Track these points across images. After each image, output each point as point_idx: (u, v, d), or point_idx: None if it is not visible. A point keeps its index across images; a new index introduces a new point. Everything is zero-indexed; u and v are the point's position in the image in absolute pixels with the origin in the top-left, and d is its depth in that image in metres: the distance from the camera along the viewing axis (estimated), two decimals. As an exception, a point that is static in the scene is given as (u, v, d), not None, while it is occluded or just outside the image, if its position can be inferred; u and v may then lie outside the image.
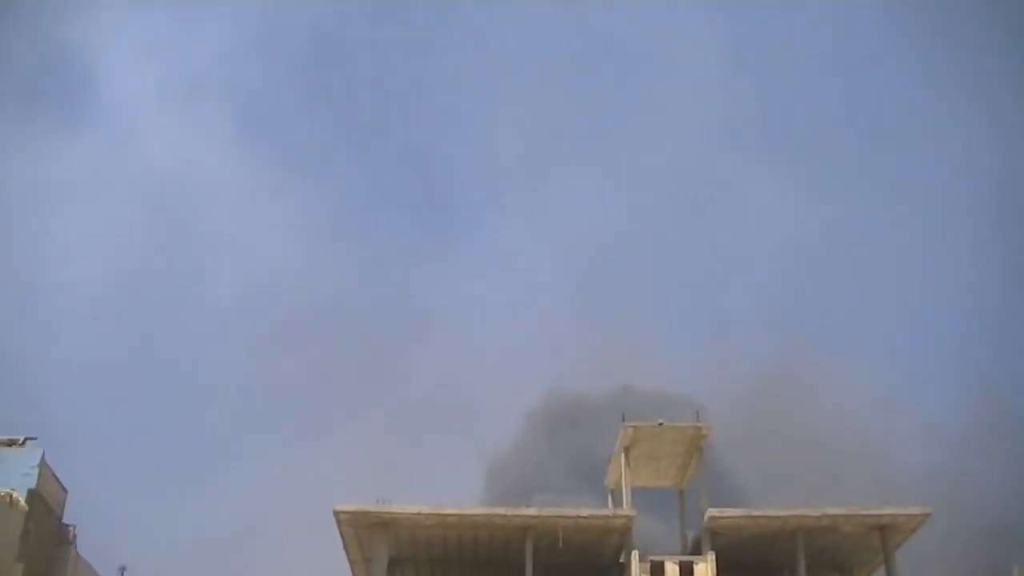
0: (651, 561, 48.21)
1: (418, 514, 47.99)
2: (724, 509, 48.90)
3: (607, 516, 49.41)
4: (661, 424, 50.82)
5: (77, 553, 33.44)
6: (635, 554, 47.85)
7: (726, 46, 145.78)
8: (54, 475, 31.88)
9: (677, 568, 48.16)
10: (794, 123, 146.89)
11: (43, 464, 31.05)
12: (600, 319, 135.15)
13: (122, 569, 47.48)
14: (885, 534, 49.31)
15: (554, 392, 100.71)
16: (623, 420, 51.15)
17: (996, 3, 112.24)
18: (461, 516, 48.31)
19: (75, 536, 33.46)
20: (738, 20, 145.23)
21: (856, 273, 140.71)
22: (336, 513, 47.82)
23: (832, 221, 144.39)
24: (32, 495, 30.37)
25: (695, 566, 48.11)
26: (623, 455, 51.33)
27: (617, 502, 52.81)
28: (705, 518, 48.77)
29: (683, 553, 51.37)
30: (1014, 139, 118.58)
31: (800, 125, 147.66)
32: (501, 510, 50.03)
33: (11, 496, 29.62)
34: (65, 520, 33.11)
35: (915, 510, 48.84)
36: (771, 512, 49.49)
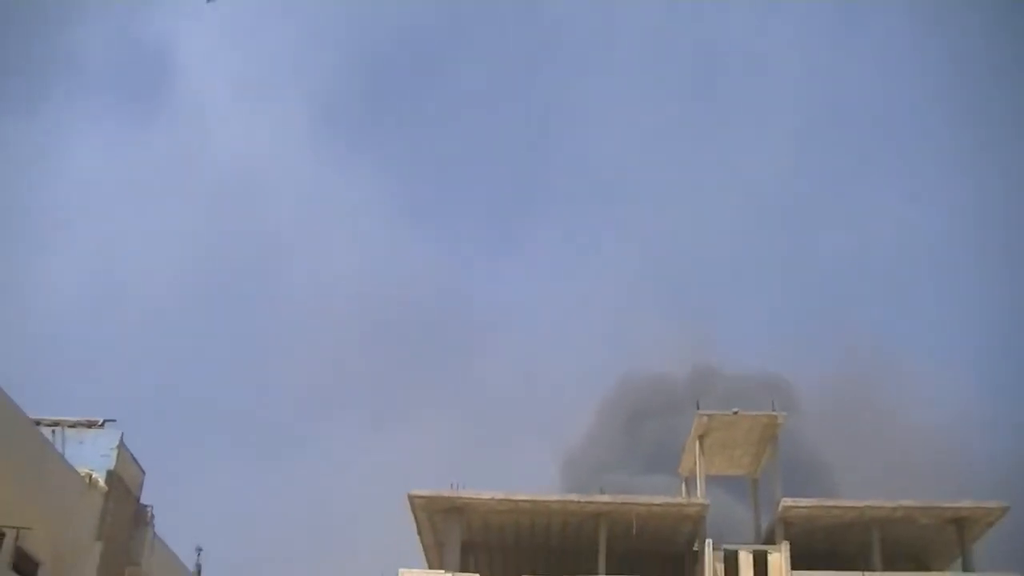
0: (724, 550, 48.03)
1: (491, 500, 48.15)
2: (798, 499, 48.68)
3: (681, 504, 49.37)
4: (736, 413, 50.60)
5: (154, 533, 33.80)
6: (709, 542, 47.68)
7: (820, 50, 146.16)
8: (132, 457, 32.19)
9: (751, 557, 47.98)
10: (894, 123, 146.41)
11: (122, 446, 31.36)
12: (676, 310, 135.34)
13: (199, 549, 47.95)
14: (961, 527, 48.91)
15: (629, 379, 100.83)
16: (697, 408, 51.00)
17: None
18: (534, 502, 48.41)
19: (153, 517, 33.80)
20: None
21: (941, 274, 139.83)
22: (411, 498, 48.01)
23: (921, 222, 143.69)
24: (111, 476, 30.67)
25: (769, 555, 47.91)
26: (697, 443, 51.17)
27: (691, 490, 52.73)
28: (779, 507, 48.58)
29: (756, 542, 51.18)
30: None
31: (899, 125, 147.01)
32: (574, 497, 50.17)
33: (91, 477, 29.96)
34: (143, 501, 33.49)
35: (992, 504, 48.44)
36: (846, 503, 49.30)
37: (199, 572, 45.55)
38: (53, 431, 30.15)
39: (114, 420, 32.38)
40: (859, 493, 63.06)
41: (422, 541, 51.08)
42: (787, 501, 48.32)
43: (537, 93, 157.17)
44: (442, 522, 49.03)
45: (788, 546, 47.55)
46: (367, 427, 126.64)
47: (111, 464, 31.15)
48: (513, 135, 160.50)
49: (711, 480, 52.80)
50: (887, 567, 48.12)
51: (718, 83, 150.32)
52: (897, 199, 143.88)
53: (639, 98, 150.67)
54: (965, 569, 48.38)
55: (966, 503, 48.36)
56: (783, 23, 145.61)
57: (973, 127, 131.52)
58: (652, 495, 50.56)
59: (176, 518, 45.37)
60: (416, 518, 49.19)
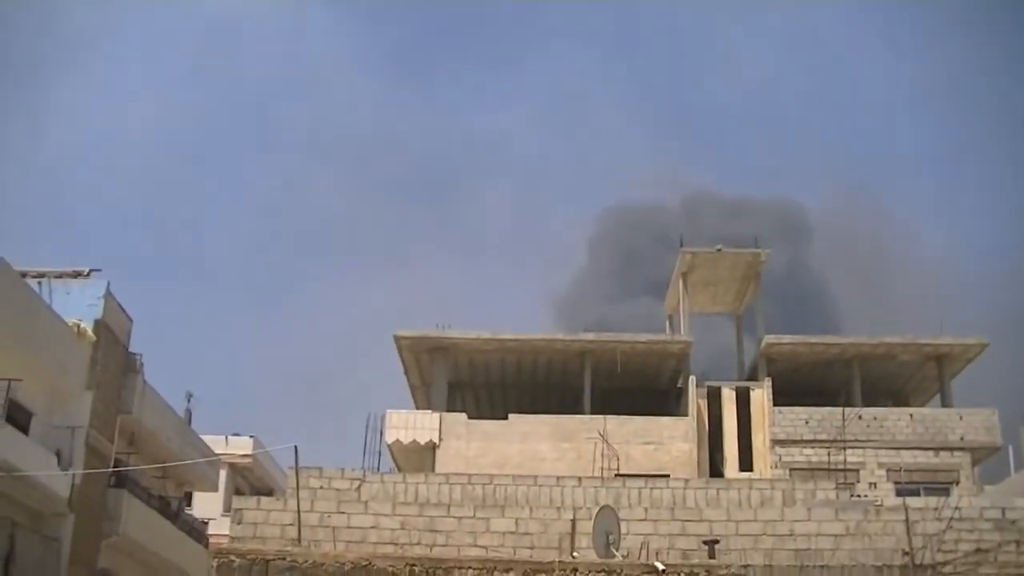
0: (708, 386, 48.64)
1: (477, 339, 48.50)
2: (780, 336, 49.15)
3: (665, 341, 49.74)
4: (719, 250, 50.70)
5: (144, 381, 34.01)
6: (692, 379, 48.22)
7: None
8: (119, 305, 32.29)
9: (733, 393, 48.65)
10: None
11: (108, 294, 31.42)
12: (664, 139, 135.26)
13: (189, 395, 48.57)
14: (942, 363, 49.60)
15: (620, 212, 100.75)
16: (681, 245, 51.18)
17: None
18: (520, 340, 48.76)
19: (142, 364, 33.96)
20: None
21: (921, 111, 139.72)
22: (396, 338, 48.38)
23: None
24: (98, 325, 30.80)
25: (752, 391, 48.57)
26: (680, 281, 51.48)
27: (675, 328, 53.16)
28: (762, 344, 49.15)
29: (740, 379, 51.79)
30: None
31: None
32: (559, 335, 50.60)
33: (78, 326, 30.10)
34: (132, 349, 33.69)
35: (972, 340, 49.01)
36: (828, 339, 49.83)
37: (190, 417, 46.19)
38: (39, 282, 30.17)
39: (100, 270, 32.45)
40: (857, 326, 63.42)
41: (409, 382, 51.60)
42: (769, 338, 48.83)
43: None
44: (428, 362, 49.46)
45: (770, 382, 48.16)
46: (358, 272, 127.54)
47: (99, 313, 31.24)
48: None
49: (700, 316, 53.27)
50: (868, 402, 48.89)
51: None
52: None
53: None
54: (944, 404, 49.14)
55: (946, 339, 48.87)
56: None
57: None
58: (637, 332, 50.88)
59: (167, 365, 45.95)
60: (402, 359, 49.61)
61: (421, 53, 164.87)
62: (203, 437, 42.75)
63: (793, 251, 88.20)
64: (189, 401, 47.71)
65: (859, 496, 39.22)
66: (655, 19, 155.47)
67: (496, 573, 23.51)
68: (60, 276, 31.52)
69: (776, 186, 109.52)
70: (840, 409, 46.96)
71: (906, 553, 27.07)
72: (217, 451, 45.64)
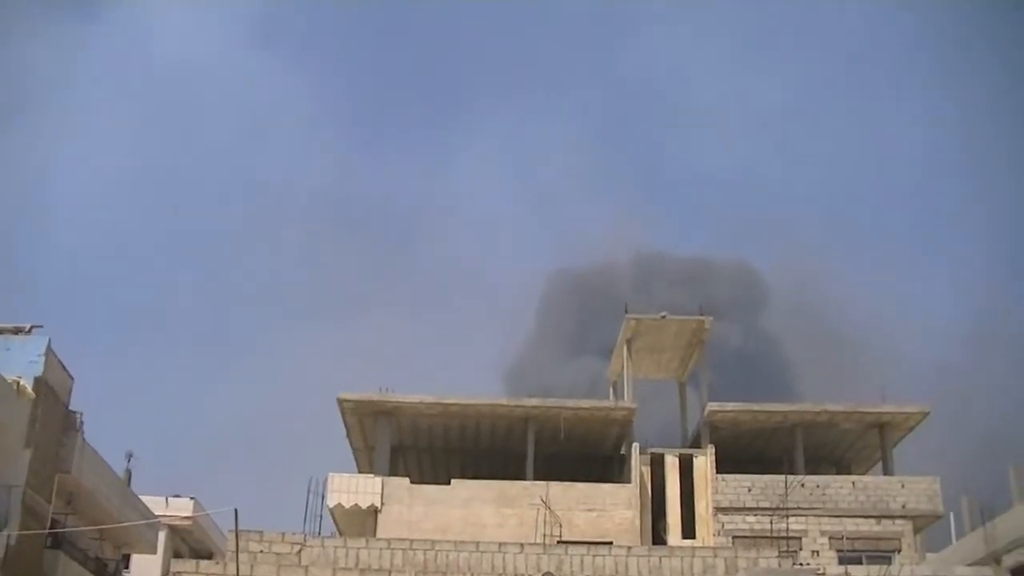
0: (651, 453, 48.62)
1: (420, 403, 48.32)
2: (724, 403, 49.23)
3: (608, 408, 49.68)
4: (664, 317, 50.91)
5: (84, 440, 33.69)
6: (635, 446, 48.20)
7: None
8: (60, 363, 32.02)
9: (676, 460, 48.61)
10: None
11: (49, 351, 31.16)
12: (613, 200, 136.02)
13: (129, 455, 48.00)
14: (884, 431, 49.79)
15: (570, 274, 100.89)
16: (626, 311, 51.31)
17: None
18: (464, 405, 48.59)
19: (82, 423, 33.64)
20: None
21: (865, 172, 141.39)
22: (340, 401, 48.14)
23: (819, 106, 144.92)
24: (39, 382, 30.55)
25: (694, 459, 48.55)
26: (625, 347, 51.54)
27: (619, 394, 53.16)
28: (705, 411, 49.17)
29: (683, 446, 51.78)
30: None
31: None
32: (503, 400, 50.47)
33: (18, 384, 29.81)
34: (72, 407, 33.36)
35: (913, 408, 49.24)
36: (770, 407, 49.82)
37: (129, 477, 45.67)
38: (-21, 338, 29.93)
39: (41, 326, 32.18)
40: (811, 392, 63.64)
41: (352, 444, 51.30)
42: (712, 405, 48.87)
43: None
44: (371, 425, 49.20)
45: (714, 449, 48.17)
46: (306, 332, 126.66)
47: (39, 371, 30.94)
48: (452, 38, 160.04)
49: (640, 384, 53.29)
50: (811, 470, 48.93)
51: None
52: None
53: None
54: (885, 472, 49.25)
55: (887, 407, 49.10)
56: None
57: None
58: (580, 399, 50.90)
59: (107, 424, 45.48)
60: (345, 421, 49.34)
61: (374, 109, 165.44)
62: (143, 498, 42.27)
63: (748, 316, 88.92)
64: (129, 461, 47.13)
65: (802, 564, 39.32)
66: (611, 79, 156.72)
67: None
68: (1, 332, 31.23)
69: (735, 249, 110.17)
70: (783, 477, 47.07)
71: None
72: (157, 512, 45.04)
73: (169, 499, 51.81)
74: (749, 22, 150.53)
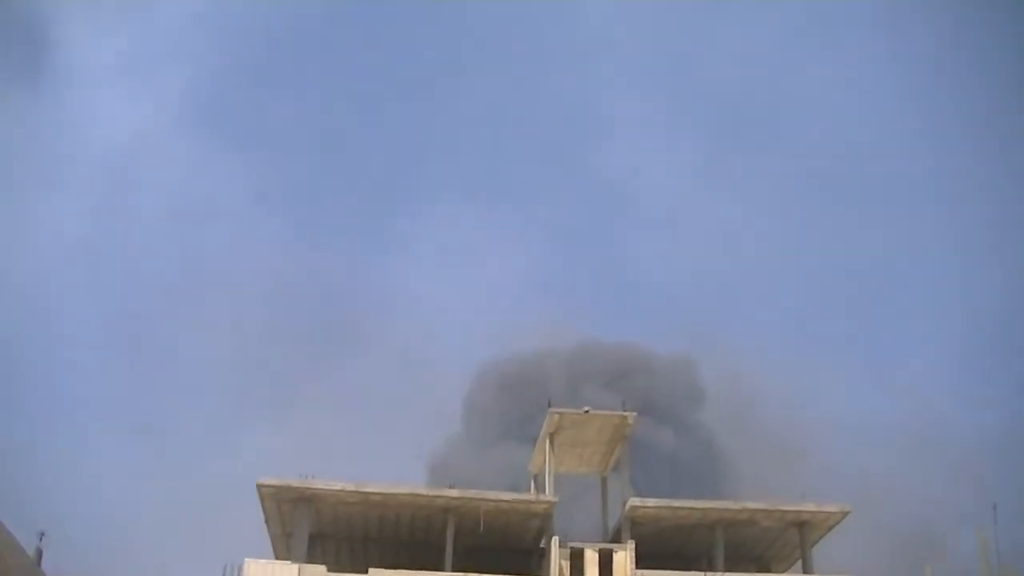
0: (571, 547, 48.46)
1: (341, 490, 48.03)
2: (645, 499, 49.34)
3: (528, 501, 49.67)
4: (586, 412, 51.11)
5: (-8, 517, 33.22)
6: (555, 540, 48.06)
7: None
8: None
9: (596, 555, 48.43)
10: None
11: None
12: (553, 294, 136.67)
13: (41, 534, 47.32)
14: (803, 530, 50.06)
15: (499, 365, 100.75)
16: (549, 405, 51.40)
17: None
18: (384, 495, 48.34)
19: (-10, 501, 33.21)
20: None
21: (783, 271, 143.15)
22: (259, 486, 47.80)
23: (773, 220, 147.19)
24: (-51, 458, 30.25)
25: (614, 554, 48.40)
26: (547, 441, 51.58)
27: (540, 487, 53.06)
28: (626, 507, 49.16)
29: (604, 541, 51.64)
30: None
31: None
32: (423, 490, 50.24)
33: (-74, 458, 29.50)
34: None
35: (833, 507, 49.59)
36: (691, 503, 49.92)
37: (40, 556, 44.99)
38: None
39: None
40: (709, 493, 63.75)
41: (270, 531, 50.87)
42: (634, 501, 48.96)
43: (419, 94, 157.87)
44: (291, 512, 48.79)
45: (633, 545, 48.09)
46: (232, 417, 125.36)
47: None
48: (393, 133, 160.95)
49: (562, 478, 53.22)
50: (730, 567, 48.99)
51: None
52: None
53: (514, 91, 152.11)
54: (805, 571, 49.51)
55: (808, 506, 49.43)
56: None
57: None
58: (501, 491, 50.75)
59: (18, 504, 44.83)
60: (264, 507, 48.96)
61: (315, 197, 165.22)
62: (53, 580, 41.75)
63: (684, 412, 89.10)
64: (41, 540, 46.53)
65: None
66: (570, 178, 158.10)
67: None
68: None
69: (676, 346, 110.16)
70: (703, 574, 47.13)
71: None
72: (67, 595, 44.48)
73: (80, 582, 51.12)
74: (718, 133, 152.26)
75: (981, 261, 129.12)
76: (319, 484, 48.09)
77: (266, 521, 50.11)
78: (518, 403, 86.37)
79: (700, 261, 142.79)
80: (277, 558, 50.75)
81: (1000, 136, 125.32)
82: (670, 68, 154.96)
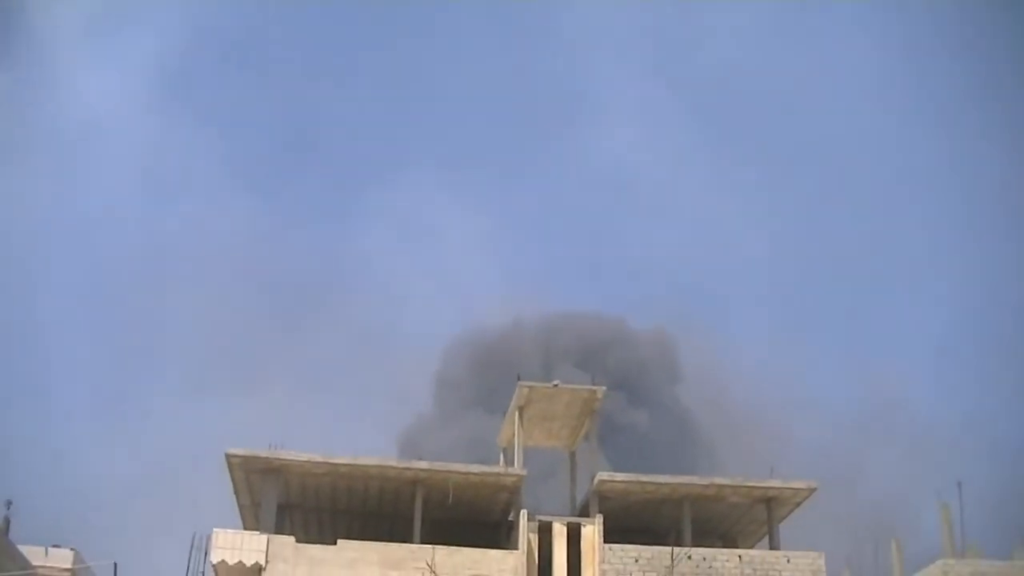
0: (539, 520, 48.55)
1: (309, 461, 48.00)
2: (613, 473, 49.53)
3: (498, 473, 49.74)
4: (556, 385, 51.25)
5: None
6: (524, 513, 48.09)
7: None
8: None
9: (564, 529, 48.57)
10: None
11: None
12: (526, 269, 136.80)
13: (8, 503, 47.30)
14: (771, 506, 50.28)
15: (471, 339, 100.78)
16: (518, 379, 51.48)
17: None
18: (352, 466, 48.33)
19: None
20: None
21: (764, 256, 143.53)
22: (228, 456, 47.74)
23: (756, 207, 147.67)
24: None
25: (583, 528, 48.55)
26: (516, 414, 51.67)
27: (509, 460, 53.16)
28: (594, 481, 49.29)
29: (572, 515, 51.75)
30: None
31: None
32: (392, 461, 50.23)
33: None
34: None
35: (800, 484, 49.84)
36: (659, 479, 50.02)
37: (7, 525, 45.00)
38: None
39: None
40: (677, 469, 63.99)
41: (238, 501, 50.85)
42: (602, 475, 49.09)
43: (396, 65, 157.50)
44: (259, 482, 48.77)
45: (602, 519, 48.26)
46: (199, 392, 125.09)
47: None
48: (364, 107, 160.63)
49: (531, 452, 53.32)
50: (698, 542, 49.08)
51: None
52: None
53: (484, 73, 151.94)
54: (771, 547, 49.68)
55: (774, 482, 49.67)
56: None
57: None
58: (470, 464, 50.80)
59: (-8, 473, 44.73)
60: (233, 478, 48.93)
61: (283, 171, 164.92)
62: (21, 548, 41.62)
63: (659, 385, 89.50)
64: (8, 508, 46.51)
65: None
66: (553, 162, 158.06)
67: None
68: None
69: (649, 319, 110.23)
70: (670, 548, 47.30)
71: None
72: (35, 563, 44.44)
73: (49, 549, 51.05)
74: (706, 119, 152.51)
75: (963, 257, 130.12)
76: (288, 455, 48.04)
77: (235, 491, 50.09)
78: (489, 377, 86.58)
79: (681, 244, 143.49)
80: (245, 528, 50.71)
81: (995, 132, 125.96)
82: (661, 54, 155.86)
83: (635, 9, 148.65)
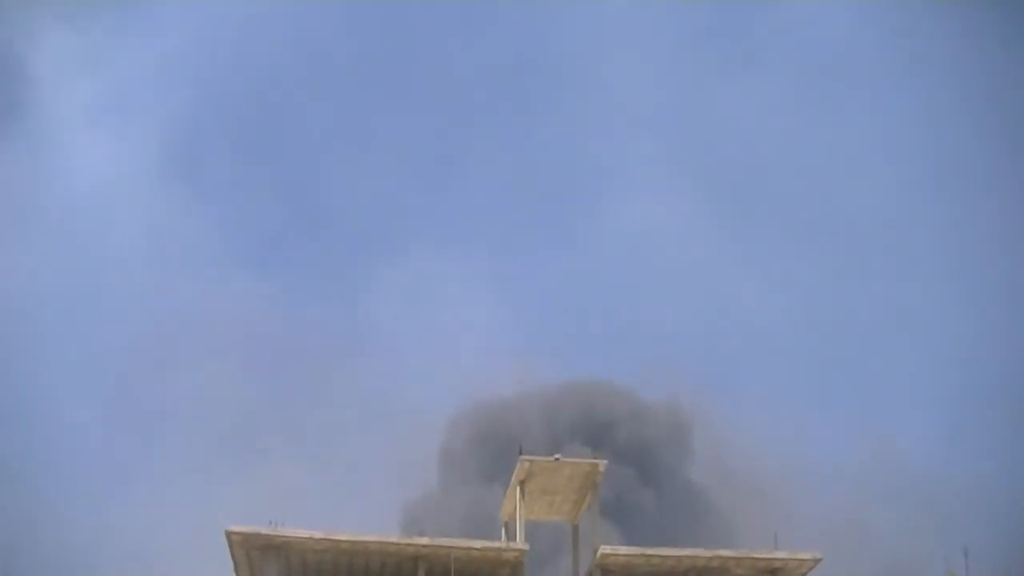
0: (542, 595, 48.42)
1: (310, 538, 47.72)
2: (617, 547, 49.28)
3: (499, 549, 49.41)
4: (557, 459, 51.05)
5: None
6: (526, 588, 47.97)
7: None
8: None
9: (568, 603, 48.45)
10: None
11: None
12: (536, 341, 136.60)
13: (5, 577, 47.08)
14: (776, 577, 49.96)
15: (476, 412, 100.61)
16: (520, 452, 51.32)
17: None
18: (354, 543, 48.03)
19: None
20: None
21: (775, 325, 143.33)
22: (228, 534, 47.42)
23: (769, 275, 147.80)
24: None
25: (586, 602, 48.40)
26: (518, 488, 51.43)
27: (511, 535, 52.91)
28: (597, 555, 48.98)
29: (575, 589, 51.60)
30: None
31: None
32: (394, 538, 49.94)
33: None
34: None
35: (806, 555, 49.41)
36: (663, 551, 49.70)
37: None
38: None
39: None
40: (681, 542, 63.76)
41: (239, 579, 50.61)
42: (605, 548, 48.79)
43: (406, 136, 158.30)
44: (260, 560, 48.41)
45: (605, 593, 48.09)
46: (195, 468, 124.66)
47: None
48: (372, 179, 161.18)
49: (533, 526, 53.08)
50: (702, 616, 48.90)
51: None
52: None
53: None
54: (778, 619, 49.39)
55: (780, 554, 49.26)
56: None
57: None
58: (471, 539, 50.54)
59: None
60: (233, 555, 48.59)
61: (280, 244, 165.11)
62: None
63: (673, 456, 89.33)
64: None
65: None
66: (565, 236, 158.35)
67: None
68: None
69: (666, 387, 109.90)
70: (674, 622, 47.12)
71: None
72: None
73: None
74: (719, 192, 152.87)
75: (978, 325, 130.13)
76: (289, 532, 47.76)
77: (235, 569, 49.74)
78: (493, 450, 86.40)
79: (694, 315, 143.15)
80: (246, 607, 50.53)
81: (1012, 209, 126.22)
82: (677, 127, 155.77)
83: (649, 84, 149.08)
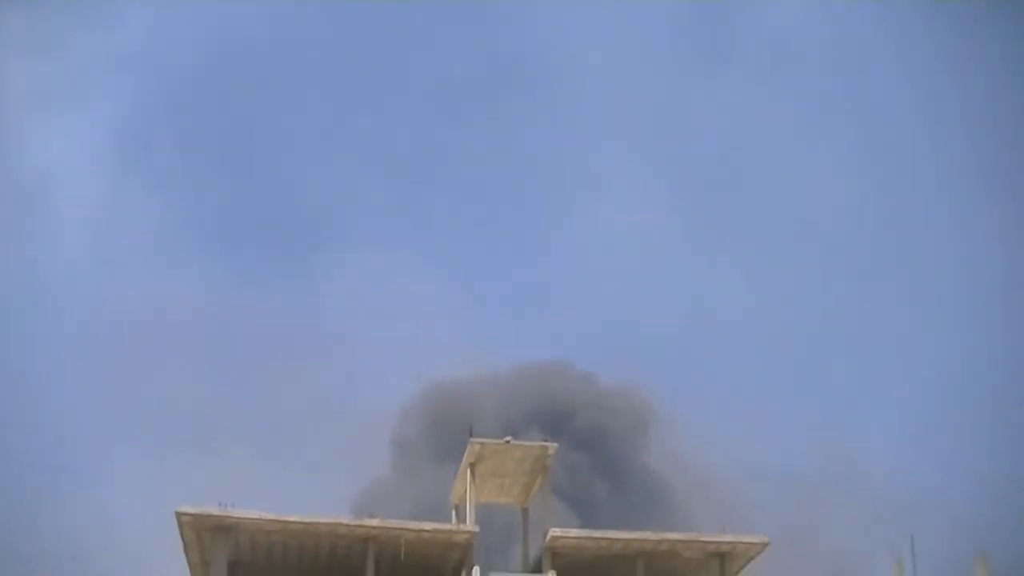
0: (491, 577, 48.58)
1: (260, 519, 47.73)
2: (566, 529, 49.54)
3: (449, 531, 49.66)
4: (508, 442, 51.22)
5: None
6: (476, 570, 48.10)
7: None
8: None
9: (517, 585, 48.66)
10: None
11: None
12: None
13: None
14: (724, 561, 50.24)
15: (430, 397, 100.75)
16: (471, 435, 51.46)
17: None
18: (304, 524, 48.06)
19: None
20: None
21: (717, 308, 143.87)
22: (178, 515, 47.37)
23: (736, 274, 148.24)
24: None
25: (536, 584, 48.61)
26: (468, 471, 51.57)
27: (462, 518, 53.05)
28: (547, 537, 49.23)
29: (525, 571, 51.70)
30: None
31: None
32: (344, 520, 50.02)
33: None
34: None
35: (754, 539, 49.96)
36: (612, 534, 50.03)
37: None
38: None
39: None
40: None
41: (188, 560, 50.43)
42: (555, 531, 49.02)
43: (366, 127, 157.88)
44: (210, 541, 48.29)
45: (555, 575, 48.21)
46: (146, 455, 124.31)
47: None
48: (328, 171, 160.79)
49: (483, 508, 53.24)
50: (649, 598, 49.22)
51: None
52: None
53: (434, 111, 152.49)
54: (726, 601, 49.78)
55: (728, 537, 49.76)
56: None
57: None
58: (422, 521, 50.68)
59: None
60: (183, 536, 48.52)
61: (234, 233, 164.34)
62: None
63: (630, 442, 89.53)
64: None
65: None
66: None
67: None
68: None
69: (626, 376, 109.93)
70: (623, 604, 47.39)
71: None
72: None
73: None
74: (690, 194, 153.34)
75: (943, 327, 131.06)
76: (238, 513, 47.70)
77: (184, 550, 49.71)
78: (446, 436, 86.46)
79: (658, 307, 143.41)
80: (195, 587, 50.53)
81: (995, 216, 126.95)
82: (654, 124, 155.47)
83: (623, 83, 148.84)
